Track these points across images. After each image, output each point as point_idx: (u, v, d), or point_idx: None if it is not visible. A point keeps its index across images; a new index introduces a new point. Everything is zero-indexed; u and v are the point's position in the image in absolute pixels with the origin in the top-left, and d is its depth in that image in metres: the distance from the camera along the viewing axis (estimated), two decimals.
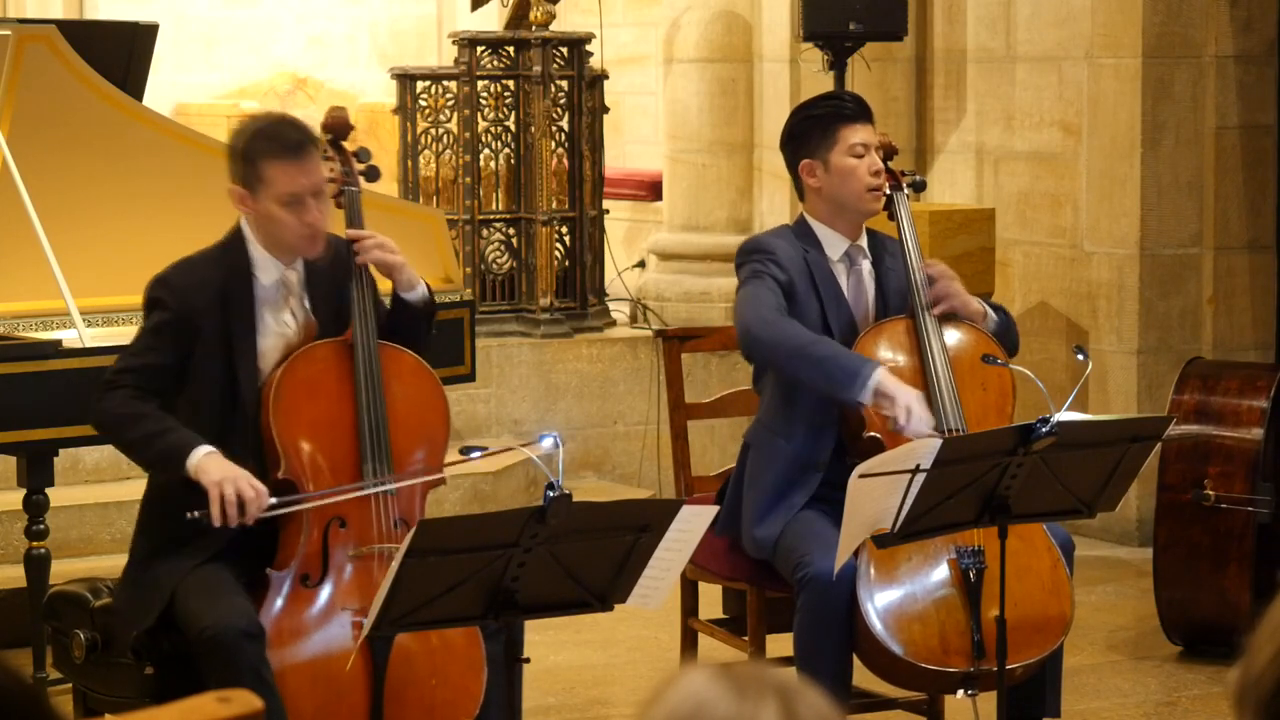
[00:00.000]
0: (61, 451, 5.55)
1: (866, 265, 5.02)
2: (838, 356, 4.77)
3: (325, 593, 4.34)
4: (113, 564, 6.42)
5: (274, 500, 4.31)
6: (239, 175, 4.47)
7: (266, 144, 4.44)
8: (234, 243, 4.52)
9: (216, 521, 4.25)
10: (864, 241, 5.03)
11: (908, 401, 4.68)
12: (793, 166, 5.02)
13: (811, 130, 4.98)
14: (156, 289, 4.49)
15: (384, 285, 4.64)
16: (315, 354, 4.48)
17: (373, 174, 4.74)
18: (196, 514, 4.26)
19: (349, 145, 4.73)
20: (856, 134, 4.93)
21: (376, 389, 4.45)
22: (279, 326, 4.51)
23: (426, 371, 4.59)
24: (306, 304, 4.54)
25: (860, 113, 4.98)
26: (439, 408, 4.57)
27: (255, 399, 4.43)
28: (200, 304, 4.43)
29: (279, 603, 4.31)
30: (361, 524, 4.39)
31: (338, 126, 4.73)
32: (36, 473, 5.50)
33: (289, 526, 4.39)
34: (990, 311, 5.03)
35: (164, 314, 4.44)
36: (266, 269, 4.50)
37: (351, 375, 4.46)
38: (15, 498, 5.75)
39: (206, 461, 4.29)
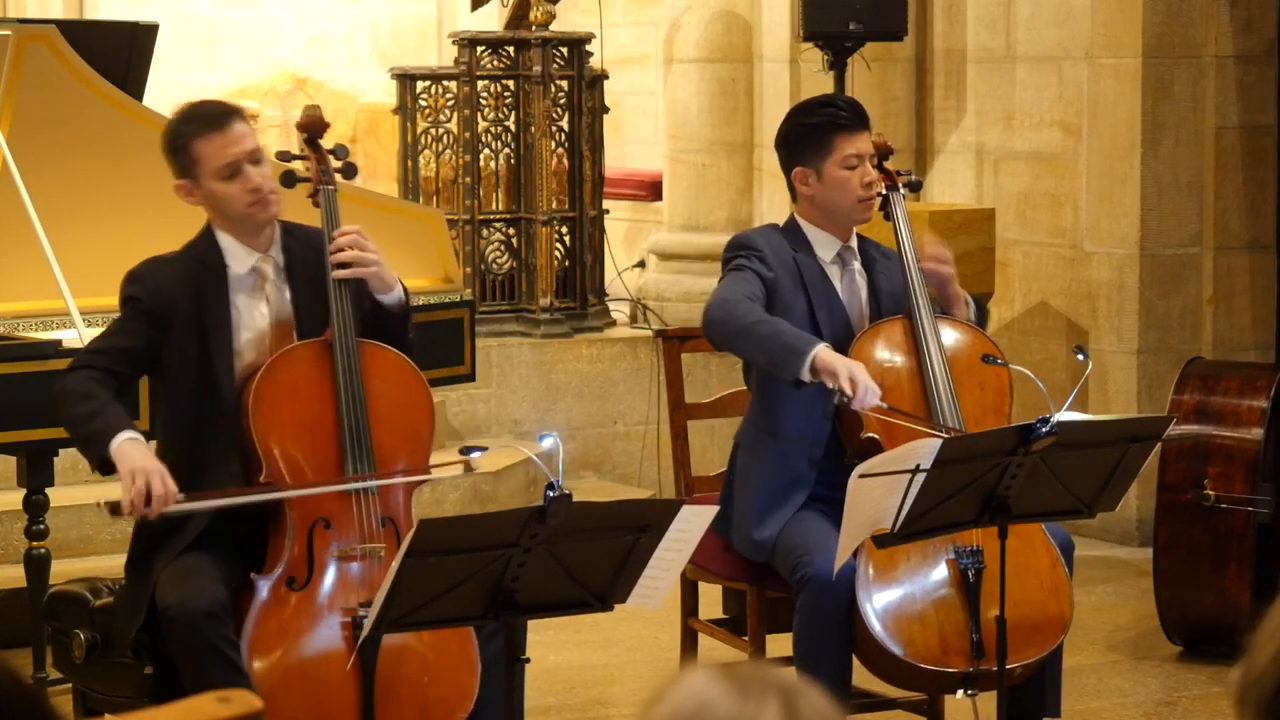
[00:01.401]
0: (61, 451, 5.55)
1: (857, 266, 5.01)
2: (780, 335, 4.71)
3: (312, 595, 4.31)
4: (113, 564, 6.42)
5: (182, 496, 4.28)
6: (176, 168, 4.52)
7: (188, 125, 4.50)
8: (203, 238, 4.55)
9: (125, 510, 4.26)
10: (854, 243, 5.03)
11: (850, 372, 4.61)
12: (786, 170, 5.02)
13: (806, 138, 4.95)
14: (128, 285, 4.51)
15: None
16: (294, 355, 4.45)
17: (350, 171, 4.70)
18: (105, 503, 4.30)
19: (325, 143, 4.69)
20: (851, 144, 4.90)
21: (356, 389, 4.42)
22: (253, 317, 4.50)
23: (409, 368, 4.55)
24: (287, 294, 4.53)
25: (855, 121, 4.95)
26: (423, 404, 4.54)
27: (234, 394, 4.42)
28: (172, 295, 4.44)
29: (264, 607, 4.28)
30: (345, 525, 4.37)
31: (312, 125, 4.70)
32: (36, 473, 5.50)
33: (274, 530, 4.37)
34: (970, 302, 5.03)
35: (134, 306, 4.47)
36: (238, 258, 4.51)
37: (332, 375, 4.44)
38: (15, 498, 5.75)
39: (126, 447, 4.29)
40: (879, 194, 5.01)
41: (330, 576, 4.33)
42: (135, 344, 4.44)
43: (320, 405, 4.42)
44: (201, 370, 4.43)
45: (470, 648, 4.34)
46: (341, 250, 4.48)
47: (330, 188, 4.62)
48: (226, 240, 4.51)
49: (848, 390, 4.59)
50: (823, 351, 4.64)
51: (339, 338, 4.45)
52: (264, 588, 4.31)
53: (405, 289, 4.63)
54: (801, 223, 5.00)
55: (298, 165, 4.67)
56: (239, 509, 4.38)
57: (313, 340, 4.49)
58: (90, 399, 4.38)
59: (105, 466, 4.35)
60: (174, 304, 4.44)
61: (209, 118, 4.51)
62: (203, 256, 4.50)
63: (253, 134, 4.53)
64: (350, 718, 4.26)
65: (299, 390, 4.42)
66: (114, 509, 4.28)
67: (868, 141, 4.95)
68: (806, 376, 4.64)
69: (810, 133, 4.95)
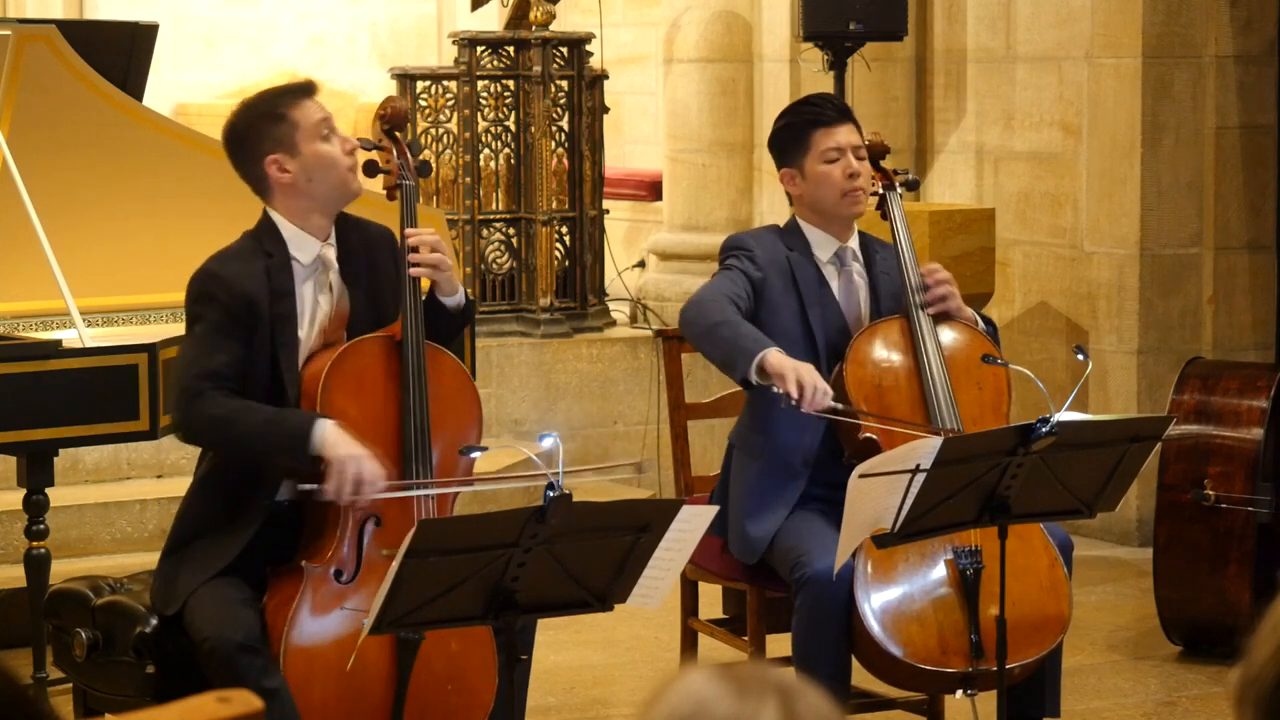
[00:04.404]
0: (61, 451, 5.55)
1: (858, 267, 5.00)
2: (738, 337, 4.70)
3: (355, 590, 4.32)
4: (113, 564, 6.43)
5: (385, 484, 4.26)
6: (271, 140, 4.37)
7: (286, 95, 4.41)
8: (265, 228, 4.45)
9: (330, 496, 4.21)
10: (854, 243, 5.02)
11: (798, 375, 4.59)
12: (778, 172, 5.03)
13: (786, 138, 4.96)
14: (205, 282, 4.39)
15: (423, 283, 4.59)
16: (363, 349, 4.42)
17: (425, 169, 4.65)
18: (310, 486, 4.22)
19: (402, 138, 4.63)
20: (829, 138, 4.89)
21: (423, 389, 4.40)
22: (316, 309, 4.44)
23: (465, 374, 4.57)
24: (343, 287, 4.48)
25: (833, 115, 4.93)
26: (475, 412, 4.56)
27: (296, 383, 4.38)
28: (249, 291, 4.35)
29: (310, 595, 4.28)
30: (397, 525, 4.36)
31: (395, 117, 4.64)
32: (36, 473, 5.49)
33: (323, 521, 4.36)
34: (980, 320, 5.03)
35: (218, 307, 4.35)
36: (303, 247, 4.43)
37: (398, 373, 4.41)
38: (15, 498, 5.75)
39: (334, 434, 4.23)
40: (874, 192, 5.00)
41: (374, 575, 4.32)
42: (238, 354, 4.33)
43: (385, 401, 4.40)
44: (271, 366, 4.37)
45: (492, 658, 4.34)
46: (420, 250, 4.44)
47: (410, 183, 4.58)
48: (289, 229, 4.42)
49: (794, 392, 4.56)
50: (772, 355, 4.63)
51: (411, 338, 4.41)
52: (312, 576, 4.30)
53: (468, 295, 4.62)
54: (801, 223, 5.01)
55: (376, 156, 4.61)
56: (288, 509, 4.38)
57: (381, 335, 4.45)
58: (243, 413, 4.28)
59: (313, 463, 4.24)
60: (252, 300, 4.35)
61: (302, 86, 4.45)
62: (269, 248, 4.41)
63: None
64: (377, 714, 4.27)
65: (365, 383, 4.40)
66: (318, 493, 4.20)
67: (850, 134, 4.92)
68: (753, 377, 4.63)
69: (790, 132, 4.96)
